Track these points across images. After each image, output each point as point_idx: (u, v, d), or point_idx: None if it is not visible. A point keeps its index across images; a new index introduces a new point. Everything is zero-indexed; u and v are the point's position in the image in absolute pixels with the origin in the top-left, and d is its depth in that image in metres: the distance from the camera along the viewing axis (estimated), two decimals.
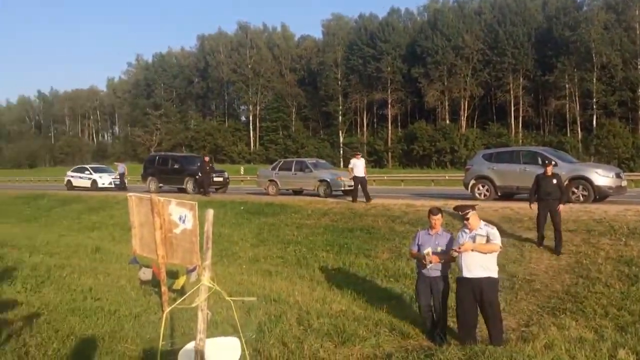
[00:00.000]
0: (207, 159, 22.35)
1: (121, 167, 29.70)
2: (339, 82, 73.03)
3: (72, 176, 30.33)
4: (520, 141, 57.86)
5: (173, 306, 3.56)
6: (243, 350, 2.97)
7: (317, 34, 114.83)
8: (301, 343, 6.33)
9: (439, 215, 6.77)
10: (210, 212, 2.74)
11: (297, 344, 6.26)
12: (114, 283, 8.71)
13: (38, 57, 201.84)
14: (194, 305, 2.68)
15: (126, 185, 28.47)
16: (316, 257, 12.05)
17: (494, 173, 15.41)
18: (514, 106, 62.96)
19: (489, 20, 65.20)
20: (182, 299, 4.06)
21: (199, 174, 21.87)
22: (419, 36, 67.38)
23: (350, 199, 16.90)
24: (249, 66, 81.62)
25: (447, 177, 35.89)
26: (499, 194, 15.38)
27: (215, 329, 6.14)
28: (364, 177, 17.14)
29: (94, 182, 28.58)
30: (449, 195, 17.95)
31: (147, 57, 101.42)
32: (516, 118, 63.62)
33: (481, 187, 15.69)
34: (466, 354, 5.47)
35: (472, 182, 15.99)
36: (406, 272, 10.08)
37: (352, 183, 19.86)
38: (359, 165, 16.77)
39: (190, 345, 2.74)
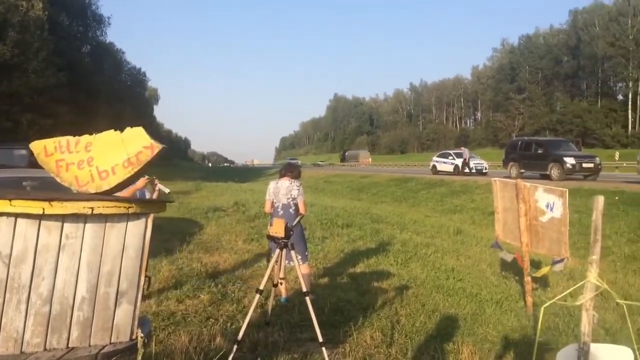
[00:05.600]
0: None
1: (465, 151, 30.33)
2: None
3: (437, 161, 32.34)
4: None
5: (552, 301, 3.26)
6: None
7: None
8: None
9: None
10: (599, 199, 2.35)
11: None
12: (475, 266, 8.80)
13: (411, 52, 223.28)
14: (577, 303, 2.35)
15: (471, 170, 29.02)
16: None
17: None
18: None
19: None
20: (563, 294, 3.71)
21: None
22: None
23: None
24: (631, 37, 71.51)
25: None
26: None
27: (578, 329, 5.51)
28: None
29: (457, 167, 29.79)
30: None
31: (513, 41, 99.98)
32: None
33: None
34: None
35: None
36: None
37: None
38: None
39: (572, 348, 2.43)
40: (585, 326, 2.32)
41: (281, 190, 5.86)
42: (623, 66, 72.95)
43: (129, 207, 2.41)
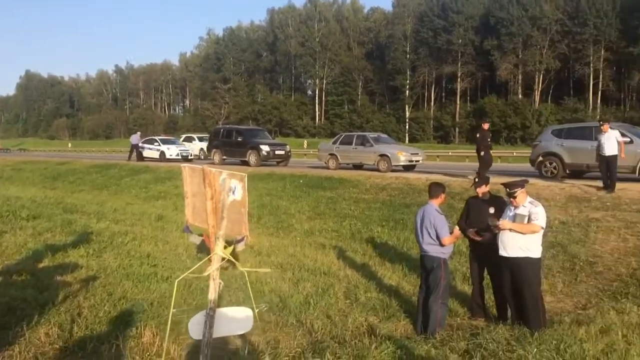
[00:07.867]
0: (486, 126, 15.56)
1: (135, 137, 30.91)
2: (407, 56, 71.60)
3: (142, 147, 31.59)
4: (598, 117, 54.61)
5: (183, 275, 3.61)
6: (256, 320, 2.97)
7: (387, 5, 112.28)
8: (345, 316, 6.34)
9: None
10: (227, 182, 2.72)
11: (341, 317, 6.28)
12: (172, 250, 9.04)
13: (116, 32, 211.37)
14: (205, 274, 2.69)
15: (135, 157, 29.58)
16: (371, 231, 11.96)
17: (563, 150, 14.58)
18: (593, 80, 59.06)
19: None
20: (194, 267, 4.12)
21: (480, 149, 14.93)
22: (493, 6, 64.53)
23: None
24: (317, 39, 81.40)
25: (514, 154, 34.79)
26: (568, 171, 14.58)
27: (261, 298, 6.26)
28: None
29: (162, 153, 29.68)
30: (513, 172, 17.06)
31: (218, 32, 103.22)
32: (595, 93, 59.78)
33: (548, 165, 14.89)
34: (514, 335, 5.30)
35: (539, 158, 15.23)
36: (462, 250, 9.85)
37: (415, 159, 19.55)
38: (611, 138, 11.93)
39: (201, 314, 2.77)
40: (212, 293, 2.68)
41: None
42: (311, 65, 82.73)
43: None
